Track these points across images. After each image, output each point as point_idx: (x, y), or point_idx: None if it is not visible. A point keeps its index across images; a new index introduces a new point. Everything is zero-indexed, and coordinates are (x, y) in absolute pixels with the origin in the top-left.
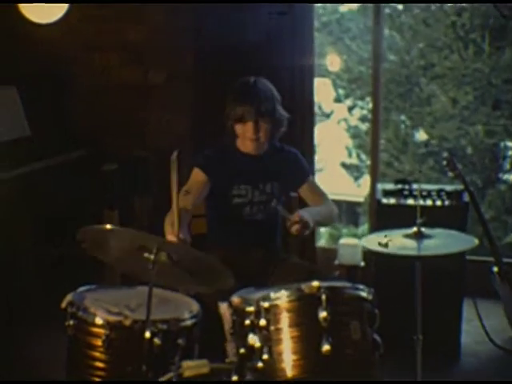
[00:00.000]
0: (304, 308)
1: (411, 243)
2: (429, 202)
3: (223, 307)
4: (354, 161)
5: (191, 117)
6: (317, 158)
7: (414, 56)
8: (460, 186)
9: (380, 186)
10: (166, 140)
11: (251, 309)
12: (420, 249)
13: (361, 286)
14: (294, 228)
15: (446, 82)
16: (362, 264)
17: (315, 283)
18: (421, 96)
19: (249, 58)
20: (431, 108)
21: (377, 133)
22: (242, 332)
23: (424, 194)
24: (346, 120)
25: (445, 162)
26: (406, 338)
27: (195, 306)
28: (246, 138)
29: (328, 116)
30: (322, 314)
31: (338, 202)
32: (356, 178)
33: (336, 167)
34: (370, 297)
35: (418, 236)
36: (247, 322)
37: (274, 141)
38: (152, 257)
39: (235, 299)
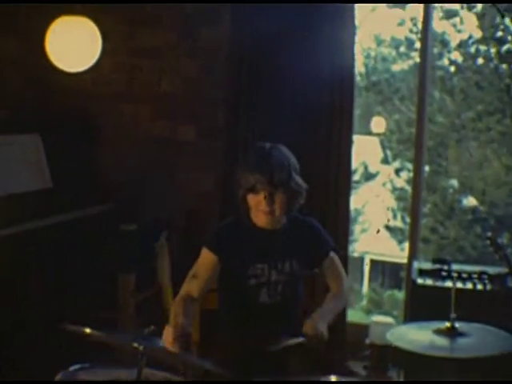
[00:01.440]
0: None
1: (442, 341)
2: (469, 286)
3: None
4: (398, 223)
5: (220, 175)
6: (361, 219)
7: (465, 119)
8: (505, 269)
9: (416, 265)
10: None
11: None
12: (453, 349)
13: None
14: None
15: (498, 147)
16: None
17: None
18: (471, 160)
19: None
20: (483, 173)
21: (418, 196)
22: None
23: (464, 276)
24: (391, 181)
25: (488, 242)
26: None
27: None
28: (259, 210)
29: (374, 176)
30: None
31: (381, 263)
32: (400, 242)
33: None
34: None
35: (451, 333)
36: None
37: (291, 213)
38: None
39: None
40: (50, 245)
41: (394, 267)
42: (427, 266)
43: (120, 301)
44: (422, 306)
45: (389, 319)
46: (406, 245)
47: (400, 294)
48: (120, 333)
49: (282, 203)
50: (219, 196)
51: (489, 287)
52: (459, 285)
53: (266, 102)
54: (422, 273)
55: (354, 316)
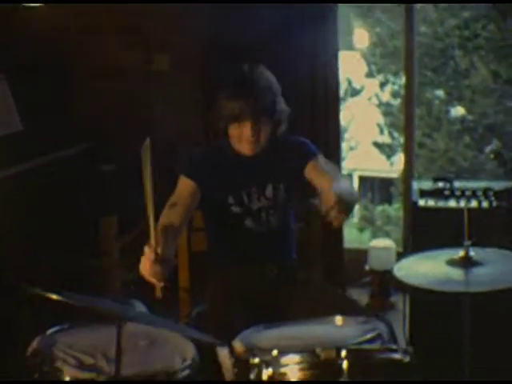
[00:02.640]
0: (320, 379)
1: (457, 273)
2: (474, 204)
3: (223, 354)
4: (386, 139)
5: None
6: (348, 136)
7: (449, 27)
8: (511, 184)
9: (416, 185)
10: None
11: (256, 361)
12: (468, 282)
13: (394, 346)
14: (333, 215)
15: (485, 53)
16: None
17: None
18: (457, 69)
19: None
20: (470, 81)
21: (411, 109)
22: None
23: (468, 193)
24: (377, 96)
25: (492, 156)
26: None
27: (190, 352)
28: (243, 140)
29: (359, 92)
30: None
31: (370, 180)
32: (388, 157)
33: (368, 145)
34: (407, 359)
35: (466, 262)
36: (252, 376)
37: (274, 137)
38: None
39: (238, 346)
40: (24, 192)
41: (384, 182)
42: (428, 185)
43: (103, 246)
44: (424, 229)
45: (388, 243)
46: (396, 159)
47: (391, 209)
48: (93, 298)
49: (267, 131)
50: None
51: (495, 204)
52: (463, 203)
53: None
54: (423, 193)
55: (348, 235)
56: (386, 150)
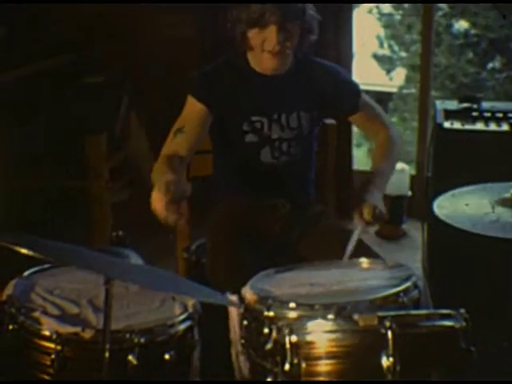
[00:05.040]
0: (358, 352)
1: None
2: (505, 127)
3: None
4: (386, 51)
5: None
6: None
7: None
8: None
9: (439, 105)
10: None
11: (271, 314)
12: None
13: (445, 311)
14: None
15: None
16: (409, 194)
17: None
18: None
19: None
20: None
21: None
22: (259, 342)
23: (499, 115)
24: (378, 7)
25: None
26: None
27: (192, 299)
28: (265, 50)
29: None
30: (387, 362)
31: (368, 93)
32: (388, 71)
33: (367, 58)
34: (462, 324)
35: None
36: (266, 330)
37: (300, 53)
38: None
39: (248, 293)
40: (4, 106)
41: (381, 96)
42: (453, 105)
43: (91, 167)
44: (448, 153)
45: (402, 165)
46: (395, 74)
47: None
48: (76, 250)
49: (294, 41)
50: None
51: None
52: (493, 127)
53: None
54: (449, 114)
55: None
56: (386, 63)
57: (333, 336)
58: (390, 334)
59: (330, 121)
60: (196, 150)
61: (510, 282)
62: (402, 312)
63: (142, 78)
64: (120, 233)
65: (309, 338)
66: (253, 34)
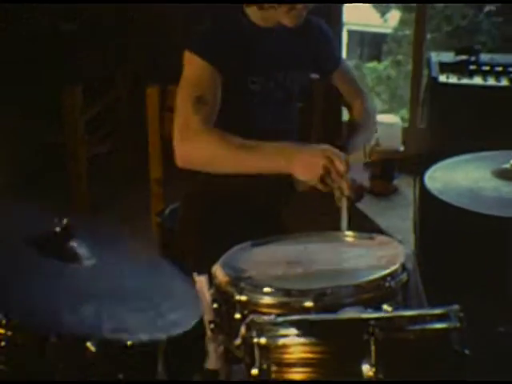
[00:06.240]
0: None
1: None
2: (504, 82)
3: (200, 281)
4: None
5: None
6: None
7: None
8: None
9: (435, 57)
10: None
11: (243, 298)
12: None
13: (437, 311)
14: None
15: None
16: (402, 149)
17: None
18: None
19: None
20: None
21: None
22: (231, 327)
23: (498, 69)
24: None
25: None
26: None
27: None
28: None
29: None
30: (369, 372)
31: (362, 34)
32: (383, 13)
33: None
34: (456, 324)
35: None
36: (238, 315)
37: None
38: None
39: (219, 273)
40: None
41: (375, 38)
42: (449, 58)
43: (66, 119)
44: (444, 109)
45: (393, 118)
46: (390, 16)
47: (380, 66)
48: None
49: None
50: None
51: None
52: (491, 81)
53: None
54: (444, 67)
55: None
56: (380, 5)
57: (308, 340)
58: (372, 340)
59: (314, 75)
60: None
61: (507, 260)
62: (387, 314)
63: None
64: (64, 221)
65: (281, 341)
66: None
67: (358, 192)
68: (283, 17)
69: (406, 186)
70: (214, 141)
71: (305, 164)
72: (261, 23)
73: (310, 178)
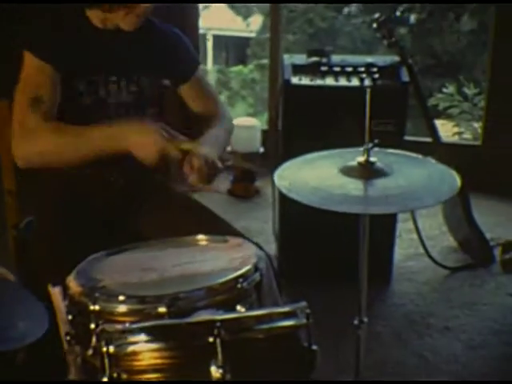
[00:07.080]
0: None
1: (356, 187)
2: (354, 82)
3: (55, 293)
4: None
5: None
6: None
7: None
8: (396, 59)
9: (287, 59)
10: None
11: (97, 308)
12: (369, 200)
13: (285, 309)
14: (194, 178)
15: None
16: (262, 150)
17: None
18: None
19: None
20: None
21: None
22: (86, 337)
23: (349, 70)
24: None
25: (375, 25)
26: None
27: None
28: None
29: None
30: (217, 374)
31: (227, 38)
32: (245, 17)
33: (221, 7)
34: (303, 321)
35: (367, 172)
36: (92, 325)
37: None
38: None
39: (72, 284)
40: None
41: (239, 42)
42: (301, 60)
43: None
44: (297, 110)
45: (252, 121)
46: (252, 20)
47: (246, 70)
48: None
49: None
50: None
51: (380, 83)
52: (343, 82)
53: None
54: (297, 69)
55: None
56: (242, 10)
57: (158, 346)
58: (218, 341)
59: (166, 82)
60: None
61: (360, 248)
62: (234, 315)
63: None
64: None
65: (130, 348)
66: None
67: (211, 172)
68: (120, 20)
69: (268, 187)
70: (50, 133)
71: (141, 143)
72: (100, 26)
73: (148, 157)
